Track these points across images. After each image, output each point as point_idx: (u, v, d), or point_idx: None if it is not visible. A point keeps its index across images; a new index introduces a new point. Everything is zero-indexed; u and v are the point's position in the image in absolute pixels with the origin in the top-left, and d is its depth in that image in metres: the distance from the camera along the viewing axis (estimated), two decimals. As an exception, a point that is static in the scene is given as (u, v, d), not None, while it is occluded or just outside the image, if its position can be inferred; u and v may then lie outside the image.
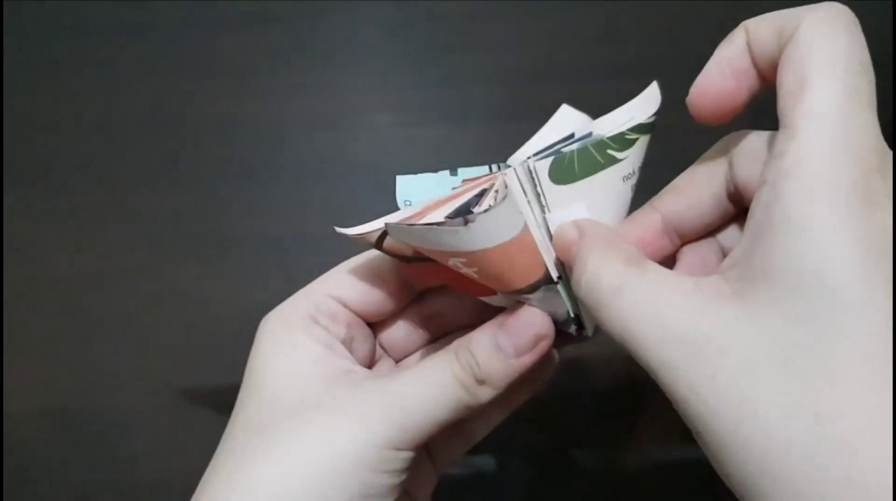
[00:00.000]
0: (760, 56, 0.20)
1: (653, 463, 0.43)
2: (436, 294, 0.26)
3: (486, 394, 0.23)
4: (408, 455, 0.22)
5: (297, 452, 0.21)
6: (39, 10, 0.51)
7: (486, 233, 0.20)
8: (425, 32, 0.51)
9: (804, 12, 0.18)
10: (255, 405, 0.23)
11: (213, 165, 0.48)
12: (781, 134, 0.18)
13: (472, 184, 0.23)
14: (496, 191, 0.22)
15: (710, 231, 0.23)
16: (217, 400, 0.43)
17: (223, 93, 0.49)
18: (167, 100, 0.49)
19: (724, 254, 0.23)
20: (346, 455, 0.21)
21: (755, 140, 0.21)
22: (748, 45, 0.20)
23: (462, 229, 0.19)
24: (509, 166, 0.23)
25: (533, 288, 0.22)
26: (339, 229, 0.22)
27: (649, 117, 0.22)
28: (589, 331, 0.24)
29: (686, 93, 0.22)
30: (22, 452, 0.43)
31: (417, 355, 0.27)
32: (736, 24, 0.21)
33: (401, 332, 0.27)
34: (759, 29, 0.20)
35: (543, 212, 0.23)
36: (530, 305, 0.23)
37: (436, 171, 0.24)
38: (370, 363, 0.27)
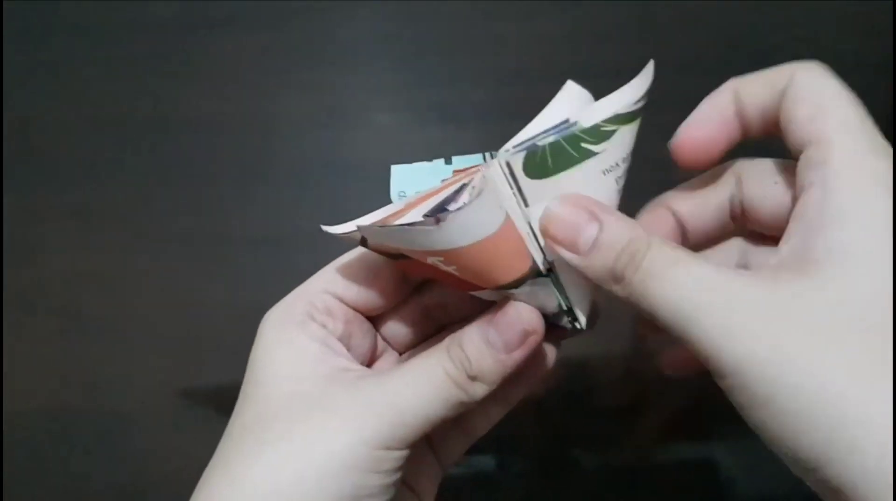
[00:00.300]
0: (752, 106, 0.22)
1: (653, 462, 0.43)
2: (435, 286, 0.26)
3: (479, 390, 0.22)
4: (401, 454, 0.22)
5: (287, 453, 0.21)
6: (39, 10, 0.51)
7: (460, 231, 0.19)
8: (424, 32, 0.51)
9: (794, 67, 0.22)
10: (252, 405, 0.23)
11: (212, 164, 0.48)
12: (813, 148, 0.20)
13: (457, 177, 0.23)
14: (472, 187, 0.21)
15: (699, 248, 0.25)
16: (216, 399, 0.43)
17: (222, 93, 0.49)
18: (167, 100, 0.49)
19: None
20: (336, 456, 0.21)
21: (764, 165, 0.23)
22: (736, 98, 0.23)
23: (433, 228, 0.19)
24: (495, 157, 0.23)
25: (518, 283, 0.22)
26: (324, 228, 0.22)
27: (632, 105, 0.22)
28: (582, 324, 0.24)
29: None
30: (22, 452, 0.43)
31: (420, 347, 0.27)
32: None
33: (402, 325, 0.26)
34: (749, 84, 0.23)
35: (526, 207, 0.22)
36: (517, 300, 0.22)
37: (430, 160, 0.24)
38: (371, 358, 0.26)
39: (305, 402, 0.22)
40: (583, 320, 0.24)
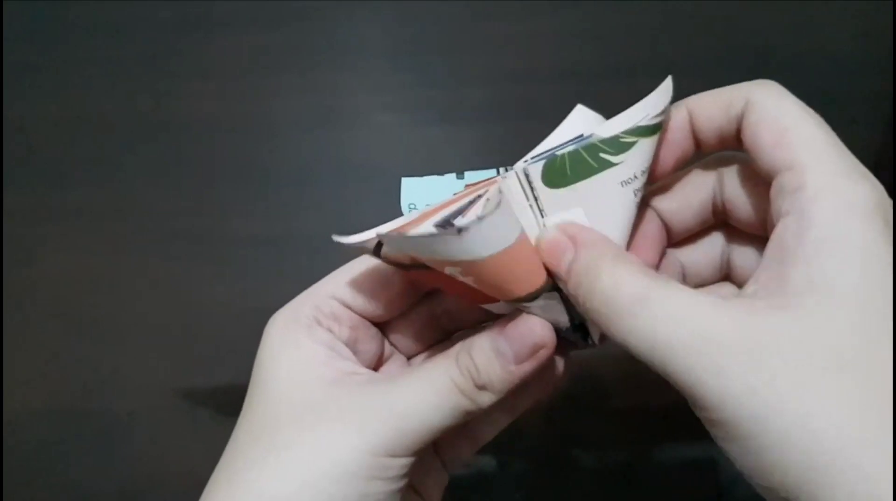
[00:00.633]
0: (707, 128, 0.22)
1: (654, 461, 0.43)
2: (438, 294, 0.26)
3: (486, 399, 0.22)
4: (407, 461, 0.22)
5: (292, 461, 0.21)
6: (39, 10, 0.51)
7: (480, 242, 0.19)
8: (424, 33, 0.51)
9: (749, 88, 0.21)
10: (257, 409, 0.23)
11: (212, 165, 0.48)
12: (785, 175, 0.20)
13: (470, 190, 0.23)
14: (487, 199, 0.21)
15: (680, 241, 0.25)
16: (217, 400, 0.43)
17: (223, 93, 0.49)
18: (167, 100, 0.49)
19: (684, 271, 0.25)
20: (341, 463, 0.21)
21: (745, 167, 0.23)
22: (691, 117, 0.22)
23: (454, 238, 0.19)
24: (512, 170, 0.23)
25: (533, 297, 0.21)
26: (336, 238, 0.22)
27: (652, 118, 0.22)
28: (595, 339, 0.24)
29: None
30: (23, 452, 0.43)
31: (428, 353, 0.27)
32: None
33: (410, 331, 0.26)
34: (703, 105, 0.22)
35: (542, 218, 0.22)
36: (530, 313, 0.22)
37: (442, 174, 0.24)
38: (378, 363, 0.26)
39: (310, 408, 0.22)
40: (596, 335, 0.23)
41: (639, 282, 0.20)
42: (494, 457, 0.42)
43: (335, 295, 0.24)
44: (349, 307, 0.24)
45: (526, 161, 0.23)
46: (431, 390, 0.22)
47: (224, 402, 0.43)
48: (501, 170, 0.24)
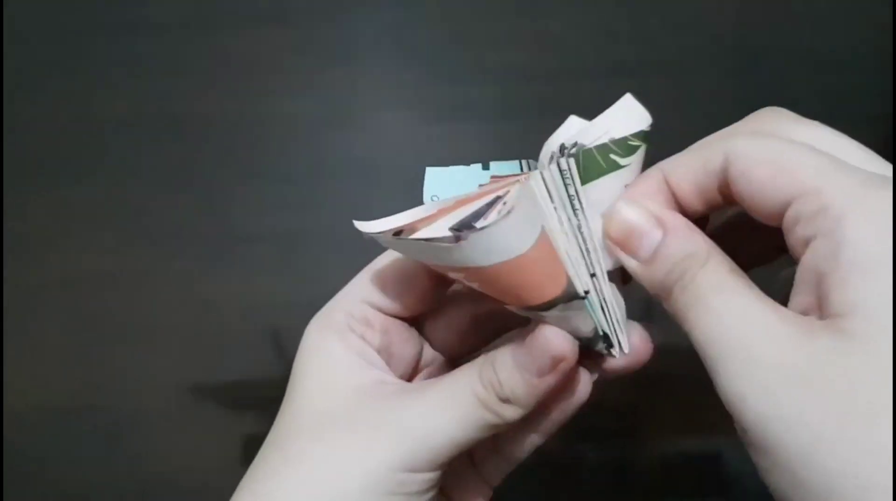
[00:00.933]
0: (685, 188, 0.21)
1: (659, 457, 0.43)
2: (479, 293, 0.25)
3: (512, 413, 0.21)
4: (429, 476, 0.21)
5: (307, 474, 0.21)
6: (40, 10, 0.51)
7: (483, 250, 0.18)
8: (431, 31, 0.51)
9: (725, 144, 0.19)
10: (284, 418, 0.23)
11: (220, 164, 0.48)
12: (799, 202, 0.18)
13: (494, 185, 0.22)
14: (504, 203, 0.20)
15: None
16: (224, 399, 0.43)
17: (230, 92, 0.49)
18: (174, 99, 0.49)
19: None
20: (357, 478, 0.21)
21: (760, 165, 0.21)
22: (666, 181, 0.21)
23: (454, 246, 0.18)
24: (534, 164, 0.22)
25: (548, 306, 0.20)
26: (357, 224, 0.21)
27: (648, 126, 0.21)
28: (625, 348, 0.23)
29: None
30: (28, 450, 0.43)
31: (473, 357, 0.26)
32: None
33: (452, 333, 0.25)
34: (679, 169, 0.21)
35: (577, 216, 0.21)
36: (545, 322, 0.21)
37: (468, 164, 0.23)
38: (416, 367, 0.26)
39: (333, 420, 0.22)
40: (625, 344, 0.23)
41: (724, 272, 0.19)
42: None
43: (363, 298, 0.24)
44: (380, 309, 0.24)
45: (559, 157, 0.22)
46: (453, 404, 0.21)
47: (231, 400, 0.44)
48: (524, 163, 0.23)
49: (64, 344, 0.44)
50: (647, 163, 0.23)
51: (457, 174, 0.23)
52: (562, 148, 0.22)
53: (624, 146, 0.21)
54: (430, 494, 0.22)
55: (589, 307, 0.22)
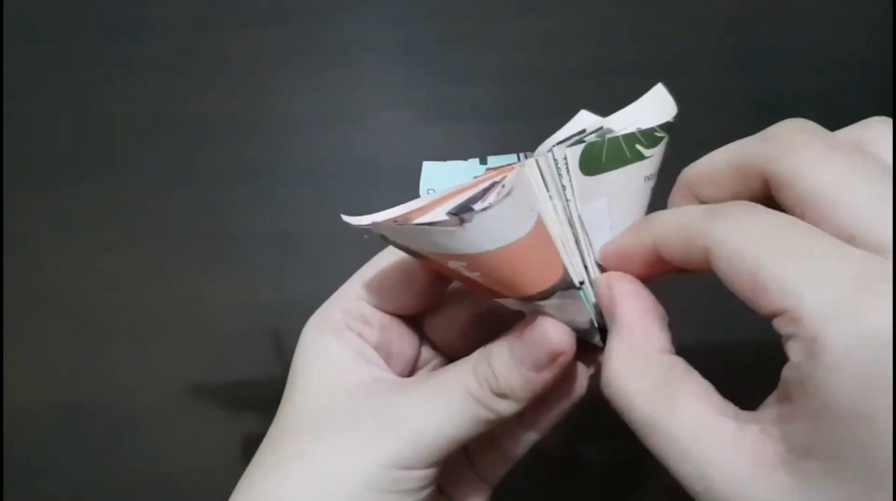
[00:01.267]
0: (670, 255, 0.20)
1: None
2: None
3: (507, 408, 0.21)
4: (423, 473, 0.21)
5: (301, 472, 0.21)
6: (40, 10, 0.51)
7: (486, 233, 0.18)
8: (432, 31, 0.51)
9: (706, 227, 0.18)
10: (282, 416, 0.23)
11: (218, 164, 0.48)
12: (778, 320, 0.16)
13: (490, 174, 0.21)
14: (502, 186, 0.19)
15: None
16: (224, 399, 0.43)
17: (228, 91, 0.49)
18: (174, 99, 0.49)
19: None
20: (350, 476, 0.21)
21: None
22: (654, 243, 0.20)
23: (457, 229, 0.17)
24: (531, 156, 0.22)
25: (546, 294, 0.20)
26: (345, 218, 0.20)
27: (674, 117, 0.21)
28: None
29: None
30: (28, 450, 0.43)
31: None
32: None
33: (452, 331, 0.25)
34: (667, 239, 0.19)
35: (568, 206, 0.21)
36: (545, 313, 0.21)
37: (465, 159, 0.22)
38: (414, 366, 0.26)
39: (328, 418, 0.22)
40: None
41: (647, 398, 0.18)
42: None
43: (360, 295, 0.24)
44: (378, 307, 0.24)
45: (558, 144, 0.21)
46: (445, 400, 0.21)
47: (231, 399, 0.44)
48: (521, 156, 0.23)
49: (64, 344, 0.45)
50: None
51: (454, 168, 0.22)
52: (565, 140, 0.22)
53: (650, 137, 0.21)
54: (427, 491, 0.22)
55: (584, 298, 0.21)
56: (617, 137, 0.20)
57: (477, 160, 0.23)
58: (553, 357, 0.21)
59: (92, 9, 0.51)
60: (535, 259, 0.20)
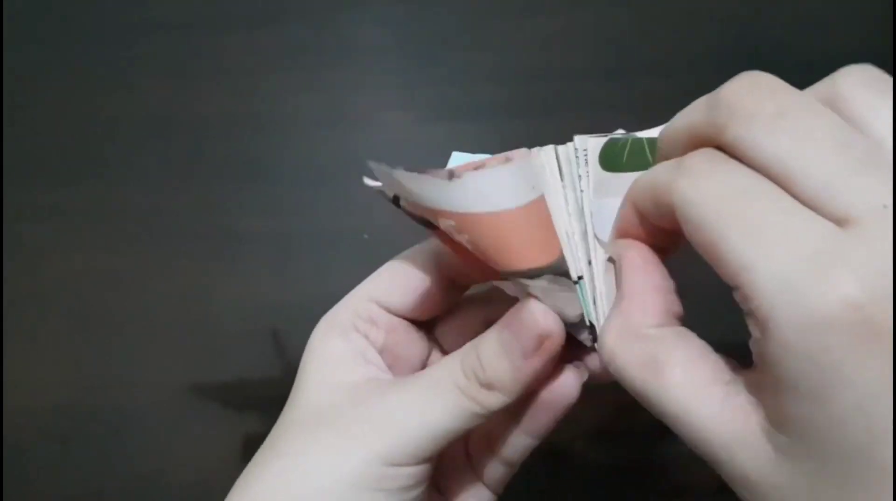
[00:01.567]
0: (648, 215, 0.20)
1: (654, 454, 0.43)
2: (495, 296, 0.24)
3: (495, 401, 0.21)
4: (413, 470, 0.21)
5: (290, 468, 0.21)
6: (40, 10, 0.51)
7: (475, 194, 0.18)
8: (432, 31, 0.51)
9: (671, 187, 0.17)
10: (284, 415, 0.23)
11: (219, 163, 0.48)
12: (737, 293, 0.16)
13: (503, 154, 0.22)
14: (507, 158, 0.20)
15: None
16: (224, 399, 0.43)
17: (230, 91, 0.49)
18: (175, 99, 0.49)
19: None
20: (338, 471, 0.20)
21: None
22: (635, 212, 0.20)
23: (446, 182, 0.18)
24: (551, 146, 0.22)
25: (533, 274, 0.20)
26: (366, 180, 0.21)
27: None
28: None
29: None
30: (28, 450, 0.43)
31: None
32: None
33: (462, 337, 0.25)
34: (641, 198, 0.19)
35: (581, 197, 0.21)
36: (532, 294, 0.20)
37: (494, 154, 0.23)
38: (422, 368, 0.25)
39: (321, 415, 0.22)
40: None
41: (637, 373, 0.19)
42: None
43: (371, 297, 0.24)
44: (387, 309, 0.24)
45: (579, 136, 0.21)
46: (432, 393, 0.21)
47: (230, 400, 0.44)
48: (534, 150, 0.23)
49: (64, 344, 0.45)
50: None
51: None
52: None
53: None
54: (417, 491, 0.22)
55: (580, 294, 0.21)
56: (640, 139, 0.20)
57: (503, 155, 0.23)
58: (540, 340, 0.20)
59: (92, 9, 0.51)
60: (525, 235, 0.20)
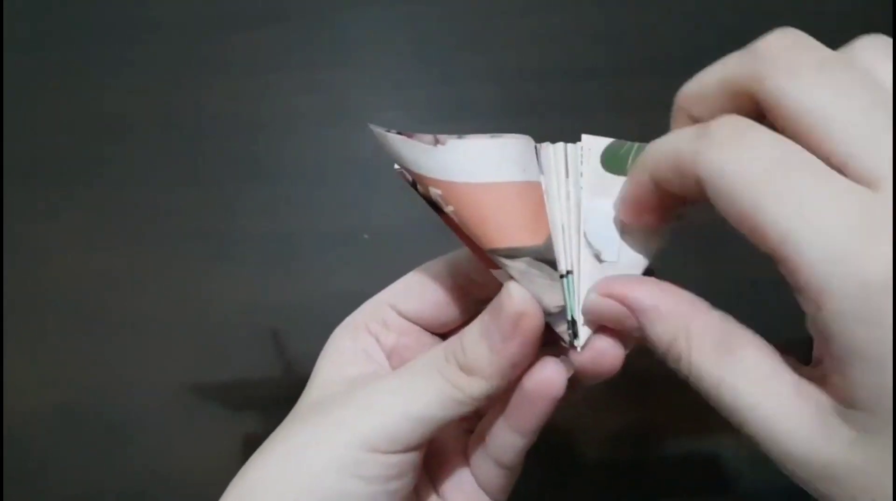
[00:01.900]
0: (669, 188, 0.19)
1: (657, 454, 0.43)
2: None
3: (476, 387, 0.21)
4: (392, 459, 0.21)
5: (281, 453, 0.22)
6: (40, 10, 0.51)
7: (460, 162, 0.19)
8: (432, 32, 0.51)
9: (695, 157, 0.17)
10: (293, 409, 0.24)
11: (220, 163, 0.48)
12: (780, 266, 0.16)
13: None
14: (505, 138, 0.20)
15: None
16: (225, 399, 0.43)
17: (230, 91, 0.50)
18: (175, 99, 0.49)
19: None
20: (320, 456, 0.21)
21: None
22: (652, 180, 0.19)
23: (430, 147, 0.18)
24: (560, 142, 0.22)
25: (513, 253, 0.20)
26: (396, 166, 0.21)
27: None
28: (579, 345, 0.21)
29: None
30: (28, 450, 0.43)
31: None
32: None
33: None
34: (661, 169, 0.19)
35: (577, 193, 0.21)
36: (511, 275, 0.20)
37: None
38: None
39: (318, 405, 0.23)
40: (584, 338, 0.21)
41: (712, 361, 0.18)
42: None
43: (389, 301, 0.25)
44: (401, 314, 0.25)
45: (585, 136, 0.22)
46: (413, 378, 0.22)
47: (231, 400, 0.44)
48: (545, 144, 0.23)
49: (64, 344, 0.45)
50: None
51: None
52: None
53: None
54: (399, 483, 0.21)
55: (567, 289, 0.21)
56: (645, 146, 0.20)
57: None
58: (516, 319, 0.20)
59: (93, 9, 0.51)
60: (507, 213, 0.20)
